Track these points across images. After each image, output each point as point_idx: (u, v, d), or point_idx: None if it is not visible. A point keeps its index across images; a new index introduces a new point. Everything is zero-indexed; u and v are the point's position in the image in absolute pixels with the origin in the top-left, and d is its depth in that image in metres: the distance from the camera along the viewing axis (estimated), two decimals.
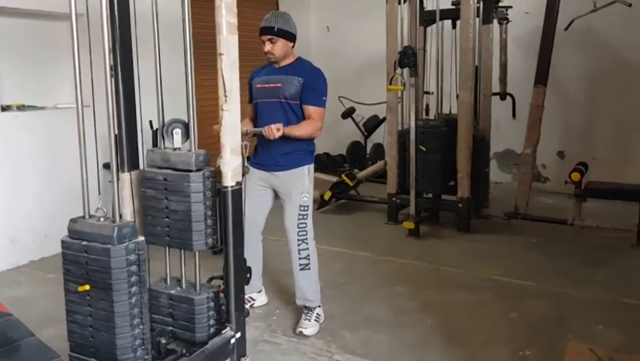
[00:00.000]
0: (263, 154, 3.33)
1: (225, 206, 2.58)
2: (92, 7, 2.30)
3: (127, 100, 2.51)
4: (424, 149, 4.99)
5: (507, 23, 5.59)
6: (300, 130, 3.16)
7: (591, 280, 4.02)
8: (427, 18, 5.35)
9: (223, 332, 2.67)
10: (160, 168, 2.63)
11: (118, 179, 2.60)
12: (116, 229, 2.26)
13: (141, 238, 2.35)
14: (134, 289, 2.30)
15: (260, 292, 3.65)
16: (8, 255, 4.40)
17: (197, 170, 2.54)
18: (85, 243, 2.30)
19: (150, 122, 5.15)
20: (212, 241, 2.63)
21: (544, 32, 4.91)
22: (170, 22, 3.39)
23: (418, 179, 5.00)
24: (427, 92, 5.60)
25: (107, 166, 4.96)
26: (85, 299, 2.34)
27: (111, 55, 2.45)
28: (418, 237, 5.00)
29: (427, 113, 5.35)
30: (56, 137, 4.65)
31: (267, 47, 3.24)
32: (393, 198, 5.42)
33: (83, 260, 2.31)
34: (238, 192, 2.59)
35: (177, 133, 2.65)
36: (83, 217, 2.41)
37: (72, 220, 2.37)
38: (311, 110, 3.22)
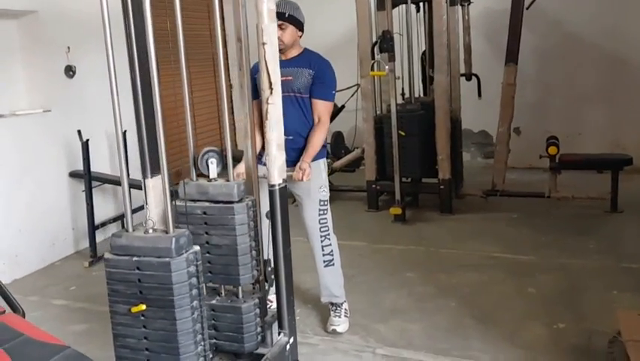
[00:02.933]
0: None
1: (273, 206, 2.42)
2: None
3: (146, 103, 2.25)
4: (402, 133, 4.98)
5: (469, 5, 5.67)
6: (316, 147, 3.03)
7: (586, 248, 4.17)
8: (395, 2, 5.31)
9: (278, 338, 2.52)
10: (196, 200, 2.42)
11: (145, 185, 2.35)
12: (174, 239, 2.07)
13: (196, 247, 2.16)
14: (195, 303, 2.13)
15: None
16: None
17: (240, 200, 2.38)
18: (136, 258, 2.08)
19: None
20: (257, 273, 2.49)
21: (512, 12, 5.02)
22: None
23: (395, 164, 4.99)
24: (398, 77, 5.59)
25: (74, 175, 4.67)
26: (138, 320, 2.14)
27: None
28: (404, 222, 5.00)
29: (403, 98, 5.33)
30: (19, 146, 4.24)
31: (277, 33, 3.08)
32: (373, 185, 5.38)
33: (134, 278, 2.10)
34: (284, 190, 2.44)
35: (212, 163, 2.46)
36: (126, 230, 2.16)
37: (115, 235, 2.13)
38: (320, 105, 3.09)
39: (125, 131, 4.87)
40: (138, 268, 2.08)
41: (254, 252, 2.49)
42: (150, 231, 2.15)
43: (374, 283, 3.79)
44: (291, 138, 2.88)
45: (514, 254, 4.14)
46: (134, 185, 4.86)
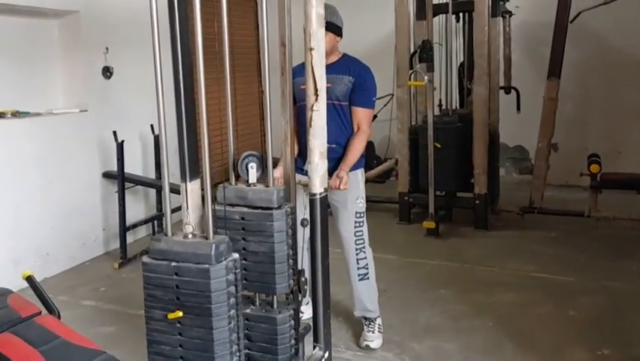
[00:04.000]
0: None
1: (313, 215, 2.35)
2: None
3: (188, 106, 2.18)
4: (439, 145, 4.88)
5: (510, 16, 5.56)
6: (355, 155, 2.97)
7: (629, 271, 4.01)
8: (434, 12, 5.23)
9: (313, 351, 2.44)
10: (234, 205, 2.36)
11: (186, 189, 2.28)
12: (214, 246, 2.00)
13: (236, 255, 2.09)
14: (232, 312, 2.07)
15: (308, 304, 3.41)
16: (11, 277, 3.96)
17: (279, 207, 2.31)
18: (175, 264, 2.02)
19: (151, 126, 4.85)
20: (293, 283, 2.42)
21: (556, 25, 4.90)
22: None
23: (430, 176, 4.88)
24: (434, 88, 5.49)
25: (107, 175, 4.66)
26: (174, 327, 2.08)
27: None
28: (437, 236, 4.88)
29: (440, 110, 5.23)
30: (54, 145, 4.26)
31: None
32: (406, 198, 5.28)
33: (172, 283, 2.04)
34: (325, 200, 2.37)
35: (252, 167, 2.40)
36: (165, 235, 2.10)
37: (155, 239, 2.08)
38: (361, 113, 3.02)
39: (158, 134, 4.86)
40: (176, 274, 2.03)
41: (291, 260, 2.42)
42: (190, 236, 2.09)
43: (407, 298, 3.68)
44: (333, 146, 2.81)
45: (553, 275, 4.00)
46: (172, 189, 4.84)
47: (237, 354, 2.11)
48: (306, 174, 3.00)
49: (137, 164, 4.91)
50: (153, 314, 2.11)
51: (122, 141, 4.35)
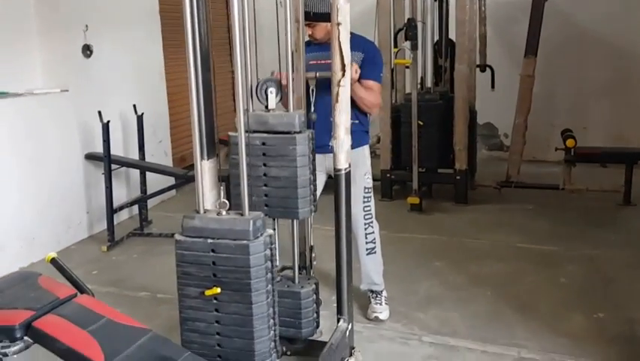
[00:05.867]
0: (318, 134, 3.11)
1: (338, 191, 2.38)
2: None
3: (205, 86, 2.16)
4: (421, 123, 4.97)
5: None
6: (364, 92, 2.98)
7: (607, 240, 4.22)
8: None
9: (339, 324, 2.49)
10: (254, 132, 2.35)
11: (202, 168, 2.26)
12: (252, 222, 2.02)
13: (270, 230, 2.11)
14: (269, 287, 2.09)
15: None
16: None
17: (300, 131, 2.34)
18: (211, 241, 2.03)
19: (134, 105, 4.74)
20: (315, 207, 2.45)
21: (533, 4, 5.03)
22: None
23: (414, 153, 4.98)
24: (407, 67, 5.56)
25: (90, 157, 4.55)
26: (210, 304, 2.09)
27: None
28: (421, 211, 5.00)
29: (422, 88, 5.31)
30: (35, 127, 4.12)
31: (308, 31, 3.03)
32: (388, 175, 5.37)
33: (208, 260, 2.05)
34: (349, 176, 2.40)
35: (272, 92, 2.39)
36: (197, 212, 2.10)
37: (188, 217, 2.08)
38: (373, 85, 3.06)
39: (142, 114, 4.77)
40: (213, 251, 2.03)
41: (312, 186, 2.43)
42: (223, 213, 2.09)
43: (404, 272, 3.77)
44: (357, 121, 2.87)
45: (538, 245, 4.17)
46: (154, 169, 4.75)
47: (273, 328, 2.14)
48: (321, 151, 3.03)
49: (119, 145, 4.80)
50: (188, 292, 2.11)
51: (108, 122, 4.24)
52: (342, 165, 2.36)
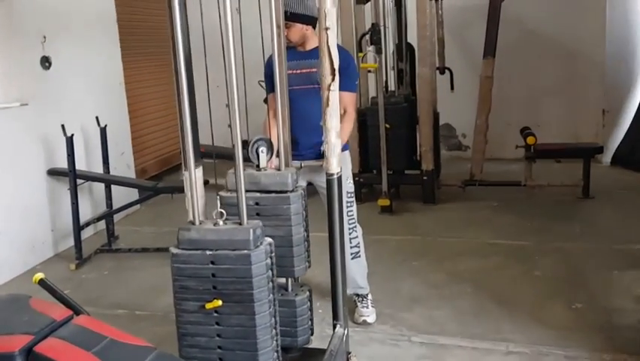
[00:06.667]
0: (301, 144, 3.10)
1: (331, 196, 2.38)
2: None
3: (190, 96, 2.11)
4: (388, 126, 5.02)
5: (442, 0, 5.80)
6: (345, 137, 2.99)
7: (573, 233, 4.37)
8: None
9: (336, 330, 2.48)
10: (246, 191, 2.33)
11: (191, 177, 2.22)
12: (252, 231, 1.99)
13: (269, 239, 2.09)
14: (271, 296, 2.06)
15: None
16: None
17: (294, 190, 2.35)
18: (210, 252, 1.99)
19: (97, 118, 4.61)
20: (309, 264, 2.46)
21: (490, 6, 5.17)
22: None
23: (383, 156, 5.03)
24: (370, 71, 5.63)
25: (52, 173, 4.40)
26: (211, 317, 2.05)
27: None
28: (391, 213, 5.05)
29: (386, 91, 5.36)
30: None
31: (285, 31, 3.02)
32: (356, 178, 5.38)
33: (208, 273, 2.01)
34: (341, 180, 2.40)
35: (262, 152, 2.40)
36: (193, 223, 2.05)
37: (183, 229, 2.03)
38: (346, 97, 3.05)
39: (106, 125, 4.65)
40: (212, 263, 1.99)
41: (306, 243, 2.46)
42: (220, 223, 2.05)
43: (384, 273, 3.80)
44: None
45: (509, 240, 4.28)
46: (121, 182, 4.63)
47: (275, 338, 2.12)
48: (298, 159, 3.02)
49: (81, 159, 4.64)
50: (186, 306, 2.06)
51: (72, 135, 4.10)
52: (334, 169, 2.35)
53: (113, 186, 4.62)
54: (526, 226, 4.59)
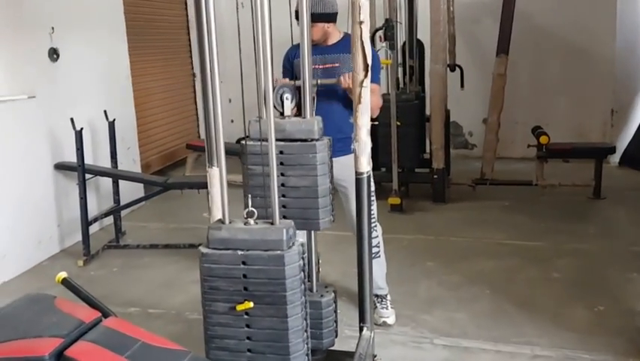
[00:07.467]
0: None
1: (360, 195, 2.31)
2: None
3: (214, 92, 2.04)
4: (399, 123, 4.95)
5: None
6: (374, 109, 2.94)
7: (587, 233, 4.33)
8: None
9: (363, 333, 2.42)
10: (265, 140, 2.25)
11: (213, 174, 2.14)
12: (285, 231, 1.92)
13: (301, 239, 2.03)
14: (303, 299, 2.00)
15: None
16: None
17: (320, 138, 2.27)
18: (242, 252, 1.92)
19: (105, 111, 4.52)
20: (333, 216, 2.39)
21: (504, 4, 5.11)
22: None
23: (394, 153, 4.96)
24: (381, 67, 5.55)
25: (60, 167, 4.31)
26: (241, 319, 1.98)
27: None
28: (402, 212, 4.99)
29: (398, 88, 5.29)
30: (2, 136, 3.85)
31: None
32: None
33: (239, 273, 1.94)
34: (370, 179, 2.34)
35: (287, 99, 2.32)
36: (222, 222, 1.98)
37: (213, 228, 1.97)
38: (372, 88, 3.00)
39: (114, 120, 4.56)
40: (244, 263, 1.92)
41: (331, 195, 2.38)
42: (251, 222, 1.98)
43: (399, 273, 3.72)
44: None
45: (523, 240, 4.23)
46: (131, 177, 4.55)
47: (307, 342, 2.06)
48: None
49: (88, 153, 4.54)
50: (216, 308, 2.00)
51: (82, 129, 4.01)
52: (364, 168, 2.28)
53: (118, 182, 4.54)
54: (540, 226, 4.54)
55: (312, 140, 2.26)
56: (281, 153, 2.26)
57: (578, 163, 5.87)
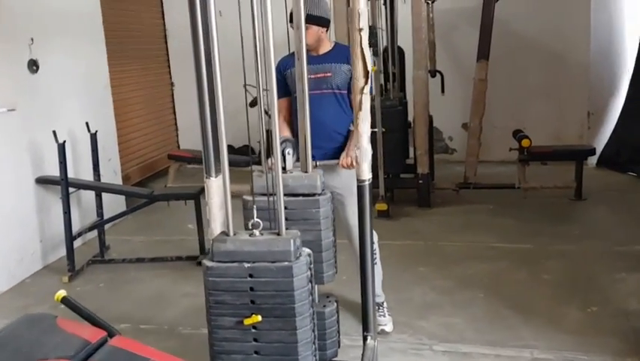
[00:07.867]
0: (314, 150, 3.00)
1: (362, 203, 2.29)
2: None
3: (212, 101, 2.02)
4: (384, 129, 4.96)
5: (433, 2, 5.77)
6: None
7: (572, 235, 4.38)
8: None
9: (367, 342, 2.40)
10: (272, 195, 2.24)
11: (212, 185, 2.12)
12: (292, 241, 1.90)
13: (307, 250, 2.00)
14: (311, 310, 1.98)
15: None
16: None
17: (322, 193, 2.29)
18: (249, 265, 1.89)
19: (87, 123, 4.43)
20: (336, 270, 2.39)
21: (484, 10, 5.17)
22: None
23: (380, 159, 4.97)
24: None
25: (41, 181, 4.20)
26: (248, 333, 1.95)
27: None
28: (388, 217, 4.99)
29: (382, 94, 5.30)
30: None
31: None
32: None
33: (246, 286, 1.91)
34: (371, 187, 2.32)
35: (289, 154, 2.32)
36: (226, 234, 1.95)
37: (218, 240, 1.93)
38: None
39: (97, 131, 4.48)
40: (251, 276, 1.89)
41: (334, 248, 2.37)
42: (257, 233, 1.95)
43: (392, 279, 3.70)
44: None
45: (511, 243, 4.27)
46: (115, 190, 4.46)
47: (315, 353, 2.03)
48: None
49: (69, 166, 4.43)
50: (222, 322, 1.96)
51: (64, 142, 3.92)
52: (366, 175, 2.27)
53: (102, 194, 4.44)
54: (526, 228, 4.59)
55: (315, 194, 2.25)
56: (285, 208, 2.23)
57: (556, 165, 5.96)
